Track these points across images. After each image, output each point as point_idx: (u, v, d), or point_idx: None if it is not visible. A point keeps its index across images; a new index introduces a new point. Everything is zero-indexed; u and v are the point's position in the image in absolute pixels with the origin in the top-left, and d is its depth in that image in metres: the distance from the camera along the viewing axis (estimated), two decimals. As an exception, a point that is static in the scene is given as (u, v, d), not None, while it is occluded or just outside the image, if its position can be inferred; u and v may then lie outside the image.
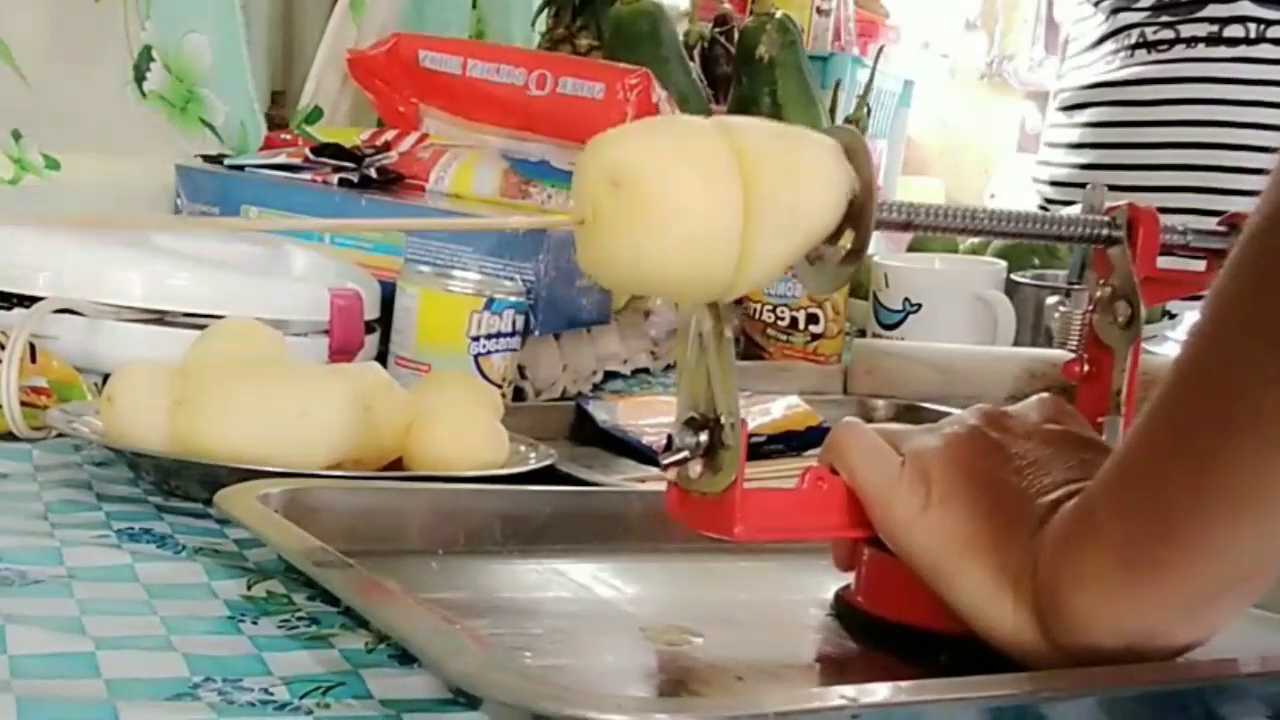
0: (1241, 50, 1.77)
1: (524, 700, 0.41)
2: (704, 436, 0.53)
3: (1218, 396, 0.44)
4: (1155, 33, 1.82)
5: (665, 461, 0.53)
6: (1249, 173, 1.75)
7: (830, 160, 0.51)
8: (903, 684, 0.46)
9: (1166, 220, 0.62)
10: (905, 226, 0.55)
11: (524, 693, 0.42)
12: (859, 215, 0.51)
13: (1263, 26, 1.77)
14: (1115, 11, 1.89)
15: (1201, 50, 1.79)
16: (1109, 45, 1.89)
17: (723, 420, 0.52)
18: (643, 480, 0.82)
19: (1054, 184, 1.96)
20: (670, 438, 0.54)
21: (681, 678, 0.53)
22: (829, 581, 0.61)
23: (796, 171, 0.50)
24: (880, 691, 0.46)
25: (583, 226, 0.49)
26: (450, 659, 0.45)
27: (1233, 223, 0.64)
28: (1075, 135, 1.93)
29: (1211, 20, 1.79)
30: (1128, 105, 1.85)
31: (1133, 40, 1.85)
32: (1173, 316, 1.45)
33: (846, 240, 0.51)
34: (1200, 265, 0.65)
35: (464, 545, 0.64)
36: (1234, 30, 1.77)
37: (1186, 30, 1.81)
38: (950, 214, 0.56)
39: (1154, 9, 1.83)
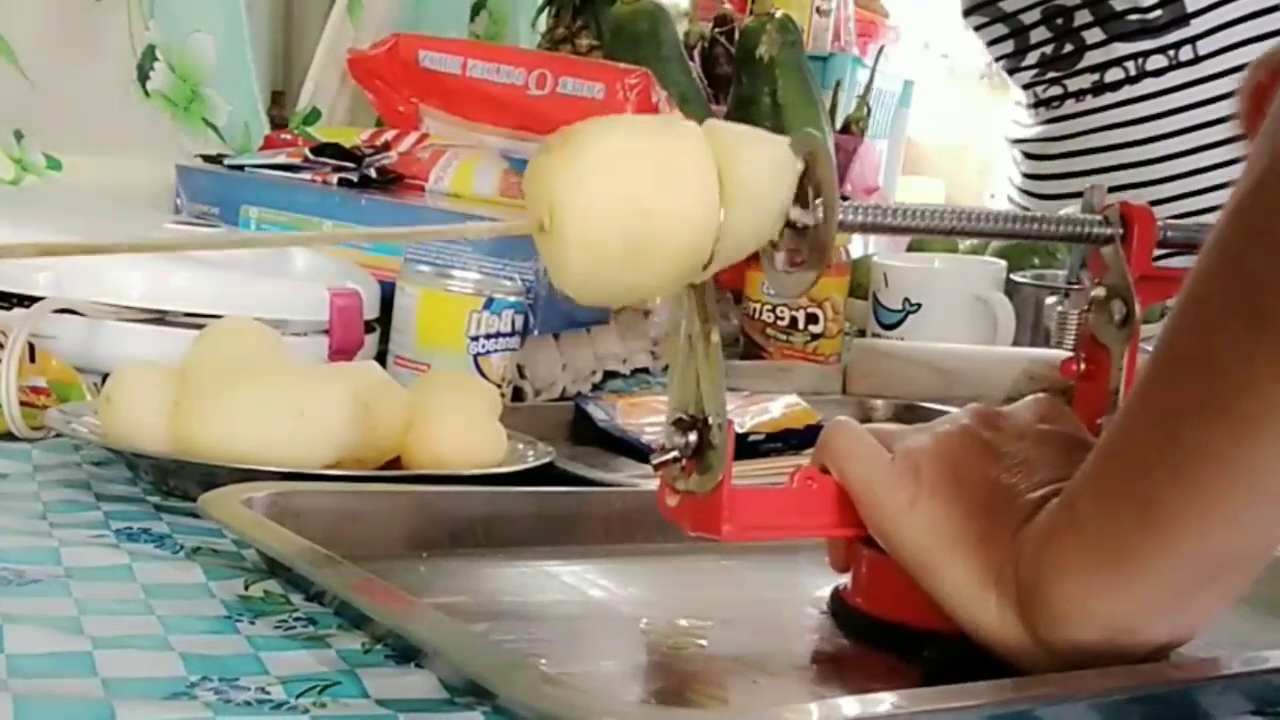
0: (1125, 92, 1.74)
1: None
2: (692, 437, 0.53)
3: (1194, 375, 0.45)
4: (1045, 90, 1.81)
5: (655, 461, 0.54)
6: (1161, 202, 1.74)
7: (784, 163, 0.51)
8: (949, 688, 0.47)
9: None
10: (867, 228, 0.55)
11: (584, 710, 0.42)
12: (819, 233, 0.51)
13: (1140, 60, 1.74)
14: (1011, 73, 1.88)
15: (1090, 102, 1.77)
16: (1021, 102, 1.89)
17: (711, 421, 0.52)
18: (641, 480, 0.82)
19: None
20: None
21: (697, 682, 0.54)
22: (816, 580, 0.61)
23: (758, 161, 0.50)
24: (945, 696, 0.47)
25: (541, 233, 0.48)
26: (504, 679, 0.45)
27: None
28: (1019, 183, 1.93)
29: (1091, 69, 1.76)
30: (1040, 160, 1.85)
31: (1032, 99, 1.84)
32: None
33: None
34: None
35: (449, 548, 0.64)
36: (1114, 74, 1.75)
37: (1073, 84, 1.79)
38: (930, 214, 0.56)
39: (1039, 66, 1.81)
